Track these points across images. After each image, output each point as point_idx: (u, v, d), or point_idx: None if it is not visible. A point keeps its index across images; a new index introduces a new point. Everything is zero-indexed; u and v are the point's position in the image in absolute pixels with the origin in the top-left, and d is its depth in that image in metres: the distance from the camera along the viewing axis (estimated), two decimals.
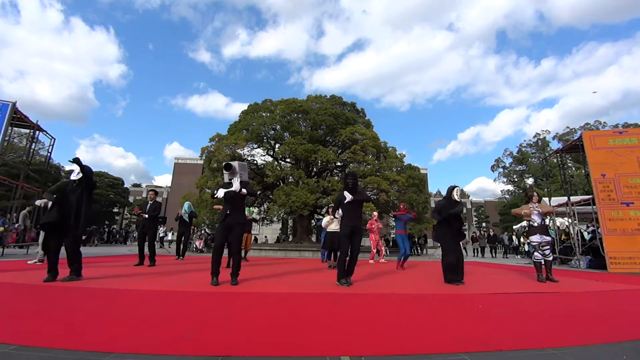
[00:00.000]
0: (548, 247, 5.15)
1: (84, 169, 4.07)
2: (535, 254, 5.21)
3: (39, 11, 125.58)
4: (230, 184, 4.29)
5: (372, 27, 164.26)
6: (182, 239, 8.60)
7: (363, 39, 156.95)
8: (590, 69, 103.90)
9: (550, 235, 5.33)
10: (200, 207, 15.93)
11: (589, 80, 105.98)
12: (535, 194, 5.43)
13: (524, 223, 18.07)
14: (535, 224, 5.22)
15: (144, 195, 52.33)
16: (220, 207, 4.67)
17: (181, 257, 8.36)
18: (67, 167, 34.64)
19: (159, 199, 47.91)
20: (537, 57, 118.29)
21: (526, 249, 16.80)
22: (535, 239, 5.16)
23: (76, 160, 4.05)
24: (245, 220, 4.43)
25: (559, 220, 12.16)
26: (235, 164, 4.38)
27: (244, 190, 4.24)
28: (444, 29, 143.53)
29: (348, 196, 4.24)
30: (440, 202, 4.99)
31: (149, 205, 6.33)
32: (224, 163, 4.45)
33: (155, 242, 6.56)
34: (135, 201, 46.51)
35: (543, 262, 5.10)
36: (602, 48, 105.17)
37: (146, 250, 6.22)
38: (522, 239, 18.67)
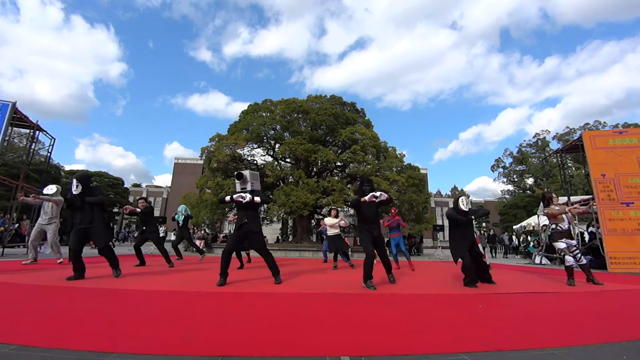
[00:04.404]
0: (577, 250, 4.83)
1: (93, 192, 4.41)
2: (567, 257, 4.81)
3: (39, 9, 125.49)
4: (241, 193, 4.34)
5: (374, 25, 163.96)
6: (182, 241, 8.66)
7: (365, 37, 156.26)
8: (595, 67, 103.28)
9: (572, 239, 4.99)
10: (201, 207, 15.92)
11: (593, 79, 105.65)
12: (554, 195, 5.07)
13: (524, 223, 18.02)
14: (564, 228, 4.84)
15: (145, 195, 52.34)
16: (235, 217, 4.75)
17: (180, 258, 8.38)
18: (67, 167, 34.63)
19: (158, 199, 47.87)
20: (541, 55, 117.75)
21: (526, 249, 16.80)
22: (562, 245, 4.80)
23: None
24: (261, 228, 4.48)
25: None
26: (247, 173, 4.43)
27: (257, 199, 4.28)
28: (447, 27, 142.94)
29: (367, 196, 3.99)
30: (450, 213, 4.74)
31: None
32: (235, 172, 4.53)
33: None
34: (135, 202, 46.51)
35: (575, 266, 4.78)
36: (606, 46, 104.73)
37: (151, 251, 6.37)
38: (521, 239, 18.70)
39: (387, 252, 4.32)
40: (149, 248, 13.97)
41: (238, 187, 4.45)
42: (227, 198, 4.33)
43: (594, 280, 4.75)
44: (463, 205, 4.55)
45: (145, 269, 5.67)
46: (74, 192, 4.24)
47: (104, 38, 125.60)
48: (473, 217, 4.64)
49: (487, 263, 7.23)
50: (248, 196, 4.23)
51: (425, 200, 17.64)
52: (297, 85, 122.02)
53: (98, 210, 4.34)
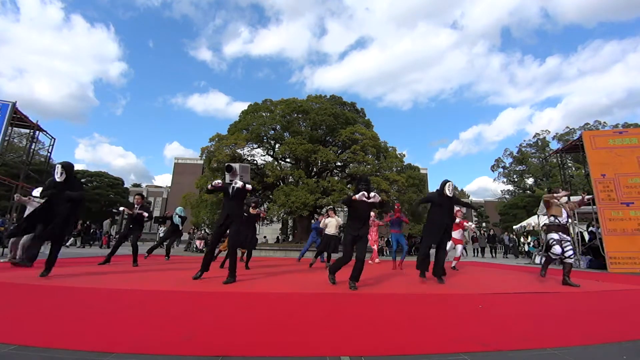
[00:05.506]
0: (570, 245, 4.73)
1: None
2: (556, 247, 4.75)
3: (39, 8, 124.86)
4: (230, 184, 4.33)
5: (375, 25, 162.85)
6: (169, 240, 8.73)
7: (366, 36, 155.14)
8: (596, 67, 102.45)
9: (570, 236, 4.92)
10: (201, 207, 15.92)
11: (594, 79, 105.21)
12: (560, 189, 5.03)
13: (524, 223, 17.99)
14: (562, 222, 4.82)
15: (145, 194, 52.34)
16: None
17: (167, 258, 8.43)
18: None
19: (158, 199, 47.80)
20: (542, 55, 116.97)
21: (526, 249, 16.81)
22: (555, 235, 4.77)
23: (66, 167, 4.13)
24: (241, 220, 4.44)
25: None
26: (236, 165, 4.40)
27: (239, 183, 4.25)
28: (448, 26, 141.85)
29: (360, 196, 3.91)
30: (430, 195, 4.86)
31: (137, 209, 6.39)
32: (225, 164, 4.47)
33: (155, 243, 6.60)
34: (134, 202, 46.40)
35: (557, 261, 4.81)
36: (607, 46, 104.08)
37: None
38: (522, 239, 18.69)
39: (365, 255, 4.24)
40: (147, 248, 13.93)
41: (227, 180, 4.39)
42: (209, 186, 4.40)
43: (570, 282, 4.57)
44: (448, 190, 4.68)
45: (144, 268, 5.67)
46: (57, 180, 4.00)
47: (104, 37, 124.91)
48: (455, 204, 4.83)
49: (452, 265, 7.11)
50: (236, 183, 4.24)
51: None
52: (298, 85, 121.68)
53: (73, 205, 4.09)
